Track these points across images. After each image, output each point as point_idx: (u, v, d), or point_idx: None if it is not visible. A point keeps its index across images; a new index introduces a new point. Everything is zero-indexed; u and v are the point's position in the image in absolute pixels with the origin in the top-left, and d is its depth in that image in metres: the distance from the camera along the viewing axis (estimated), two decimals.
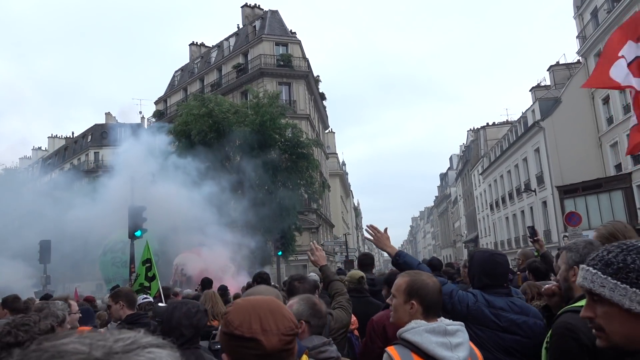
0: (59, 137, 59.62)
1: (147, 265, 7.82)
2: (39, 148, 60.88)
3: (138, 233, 17.60)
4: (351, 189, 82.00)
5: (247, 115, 24.20)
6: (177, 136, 25.47)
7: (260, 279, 7.01)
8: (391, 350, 2.32)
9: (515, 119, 46.91)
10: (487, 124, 53.70)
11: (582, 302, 1.83)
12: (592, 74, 5.51)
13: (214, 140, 23.11)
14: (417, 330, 2.31)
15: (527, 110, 37.65)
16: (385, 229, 3.64)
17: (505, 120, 53.12)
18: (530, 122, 35.31)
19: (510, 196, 41.36)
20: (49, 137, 60.59)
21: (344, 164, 72.95)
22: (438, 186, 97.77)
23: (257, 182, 24.60)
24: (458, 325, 2.39)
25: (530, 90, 39.97)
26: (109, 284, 24.25)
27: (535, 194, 34.78)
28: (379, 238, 3.57)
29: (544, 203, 33.74)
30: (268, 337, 1.44)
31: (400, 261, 3.35)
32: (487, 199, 49.42)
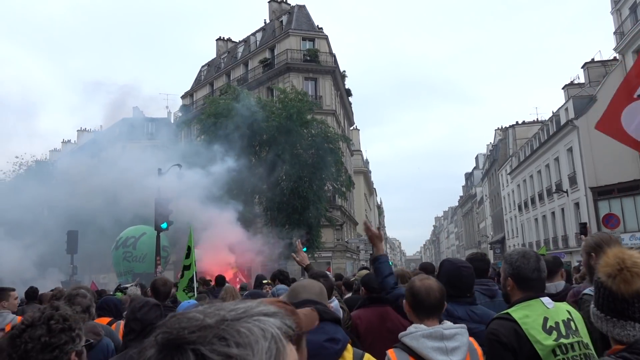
0: (87, 131, 60.48)
1: (187, 252, 7.63)
2: (69, 141, 61.90)
3: (164, 225, 17.59)
4: (374, 186, 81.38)
5: (275, 109, 23.96)
6: (205, 128, 25.31)
7: (281, 276, 6.89)
8: (391, 353, 2.47)
9: (546, 118, 45.83)
10: (517, 122, 52.50)
11: (513, 309, 2.49)
12: (604, 114, 4.99)
13: (242, 134, 22.92)
14: (415, 335, 2.44)
15: (559, 108, 36.55)
16: (378, 228, 3.89)
17: (535, 119, 51.87)
18: (563, 121, 34.26)
19: (540, 197, 40.28)
20: (78, 130, 61.59)
21: (367, 161, 72.36)
22: (463, 186, 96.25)
23: (282, 176, 24.38)
24: (457, 329, 2.48)
25: (562, 89, 38.85)
26: (121, 277, 24.50)
27: (567, 195, 33.73)
28: (372, 235, 3.83)
29: (577, 204, 32.69)
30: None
31: (375, 265, 3.66)
32: (515, 200, 48.29)
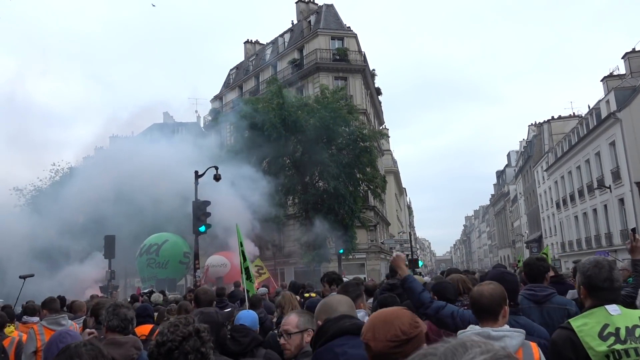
0: (120, 137, 61.41)
1: (241, 249, 7.33)
2: (102, 147, 62.96)
3: (202, 229, 17.37)
4: (403, 186, 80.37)
5: (315, 109, 23.59)
6: (241, 127, 25.06)
7: (330, 279, 6.54)
8: None
9: (582, 112, 44.36)
10: (552, 117, 50.99)
11: (574, 318, 2.66)
12: None
13: (281, 133, 22.64)
14: (465, 334, 2.63)
15: (599, 101, 35.21)
16: (399, 253, 4.22)
17: (572, 114, 50.28)
18: (604, 114, 32.96)
19: (580, 193, 38.88)
20: (110, 137, 62.62)
21: (396, 161, 71.47)
22: (494, 184, 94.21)
23: (317, 176, 24.05)
24: (507, 332, 2.56)
25: (601, 81, 37.45)
26: (145, 283, 24.66)
27: (610, 191, 32.37)
28: (395, 258, 4.08)
29: (621, 201, 31.37)
30: (376, 343, 1.77)
31: (406, 286, 3.74)
32: (553, 197, 46.81)
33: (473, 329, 2.65)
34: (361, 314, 3.79)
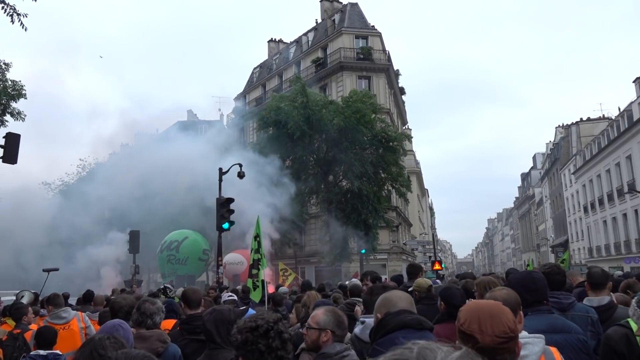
0: (144, 134, 62.17)
1: (257, 240, 7.57)
2: (127, 144, 63.90)
3: (225, 226, 17.33)
4: (425, 187, 79.51)
5: (339, 108, 23.37)
6: (266, 125, 24.98)
7: (373, 277, 6.93)
8: None
9: (612, 114, 43.16)
10: (581, 119, 49.77)
11: (631, 320, 2.79)
12: None
13: (305, 132, 22.49)
14: None
15: (631, 103, 34.22)
16: None
17: (601, 116, 49.00)
18: (636, 116, 32.00)
19: (610, 198, 37.84)
20: (135, 134, 63.47)
21: (418, 162, 70.77)
22: (519, 187, 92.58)
23: (341, 176, 23.83)
24: (529, 338, 2.48)
25: (633, 82, 36.36)
26: (165, 279, 24.93)
27: None
28: None
29: None
30: (483, 336, 1.74)
31: None
32: (580, 201, 45.68)
33: None
34: None
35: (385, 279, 20.38)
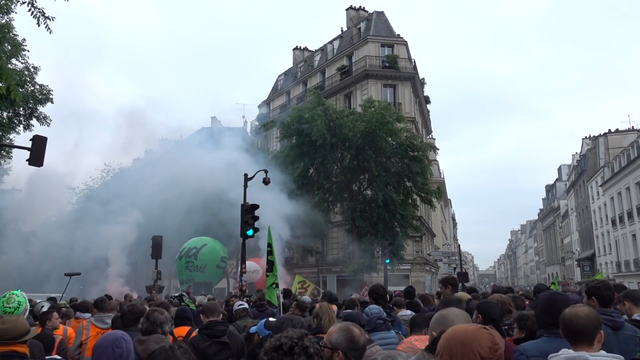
0: (169, 140, 63.03)
1: (268, 249, 8.18)
2: (151, 150, 64.85)
3: (249, 232, 17.35)
4: (448, 198, 78.66)
5: (361, 117, 23.33)
6: (288, 134, 25.09)
7: (453, 283, 6.68)
8: None
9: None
10: (609, 130, 48.78)
11: None
12: None
13: (327, 139, 22.49)
14: (559, 357, 2.53)
15: None
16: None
17: (630, 127, 47.98)
18: None
19: (639, 211, 36.89)
20: (160, 140, 64.38)
21: (442, 172, 70.04)
22: (543, 199, 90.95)
23: (365, 184, 23.70)
24: (604, 357, 2.44)
25: None
26: (183, 285, 25.01)
27: None
28: None
29: None
30: None
31: None
32: (608, 214, 44.64)
33: (566, 352, 2.53)
34: None
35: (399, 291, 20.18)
